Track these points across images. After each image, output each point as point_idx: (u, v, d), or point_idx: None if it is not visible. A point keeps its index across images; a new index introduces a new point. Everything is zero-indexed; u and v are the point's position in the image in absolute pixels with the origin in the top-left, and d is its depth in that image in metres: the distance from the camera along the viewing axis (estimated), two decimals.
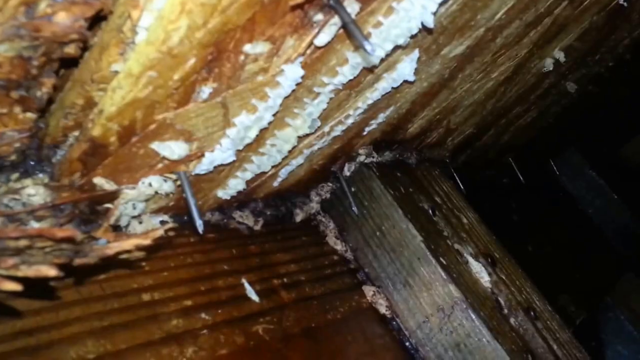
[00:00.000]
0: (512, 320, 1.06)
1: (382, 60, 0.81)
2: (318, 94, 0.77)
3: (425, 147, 1.25)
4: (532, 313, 1.08)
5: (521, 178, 1.82)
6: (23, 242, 0.43)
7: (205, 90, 0.60)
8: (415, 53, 0.87)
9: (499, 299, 1.07)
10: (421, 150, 1.23)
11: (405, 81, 0.91)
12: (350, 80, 0.79)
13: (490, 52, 1.09)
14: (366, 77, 0.84)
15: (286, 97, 0.71)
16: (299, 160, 0.90)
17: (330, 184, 1.07)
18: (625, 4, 1.30)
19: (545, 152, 2.13)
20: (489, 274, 1.08)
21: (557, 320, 1.12)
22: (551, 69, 1.37)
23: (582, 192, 2.24)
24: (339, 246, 1.06)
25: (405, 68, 0.88)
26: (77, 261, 0.48)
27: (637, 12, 1.49)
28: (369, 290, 1.04)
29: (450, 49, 0.97)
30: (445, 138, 1.32)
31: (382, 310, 1.03)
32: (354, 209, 1.06)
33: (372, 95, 0.89)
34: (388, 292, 1.05)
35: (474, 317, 0.98)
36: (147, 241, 0.53)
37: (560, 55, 1.37)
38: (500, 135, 1.61)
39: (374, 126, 1.01)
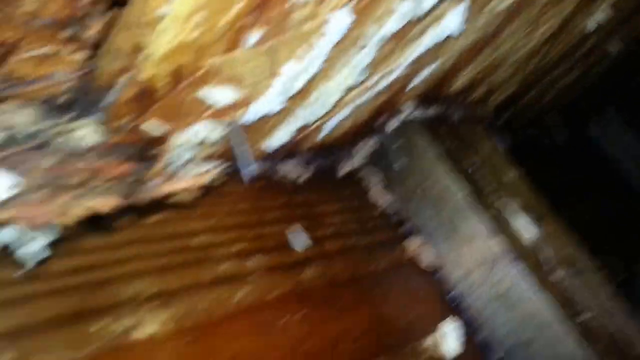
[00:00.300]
0: (555, 273, 1.02)
1: (429, 12, 0.77)
2: (364, 45, 0.74)
3: (468, 105, 1.21)
4: (575, 268, 1.05)
5: (561, 138, 1.77)
6: (80, 179, 0.42)
7: (253, 37, 0.58)
8: (462, 6, 0.84)
9: (542, 252, 1.03)
10: (464, 107, 1.19)
11: (451, 35, 0.87)
12: (397, 31, 0.76)
13: (535, 9, 1.04)
14: (412, 30, 0.80)
15: (333, 47, 0.68)
16: (344, 113, 0.88)
17: (374, 139, 1.03)
18: None
19: (587, 113, 2.06)
20: (533, 229, 1.05)
21: (600, 276, 1.08)
22: (595, 27, 1.31)
23: (621, 154, 2.16)
24: (383, 200, 1.04)
25: (452, 21, 0.84)
26: (131, 199, 0.47)
27: None
28: (412, 243, 1.02)
29: (497, 3, 0.92)
30: (488, 96, 1.28)
31: (425, 262, 1.01)
32: (396, 164, 1.03)
33: (418, 48, 0.86)
34: (431, 244, 1.02)
35: (517, 269, 0.95)
36: (196, 184, 0.52)
37: (605, 14, 1.31)
38: (542, 94, 1.55)
39: (418, 81, 0.97)
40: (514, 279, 0.96)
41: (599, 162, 2.10)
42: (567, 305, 0.98)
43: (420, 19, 0.78)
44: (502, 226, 1.01)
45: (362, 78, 0.79)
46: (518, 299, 0.96)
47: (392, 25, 0.73)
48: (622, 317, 1.05)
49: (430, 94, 1.07)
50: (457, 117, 1.15)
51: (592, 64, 1.60)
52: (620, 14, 1.37)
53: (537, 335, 0.95)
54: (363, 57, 0.76)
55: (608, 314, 1.03)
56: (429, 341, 0.92)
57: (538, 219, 1.07)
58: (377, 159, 1.06)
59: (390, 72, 0.86)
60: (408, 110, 1.04)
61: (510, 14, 0.99)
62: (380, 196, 1.04)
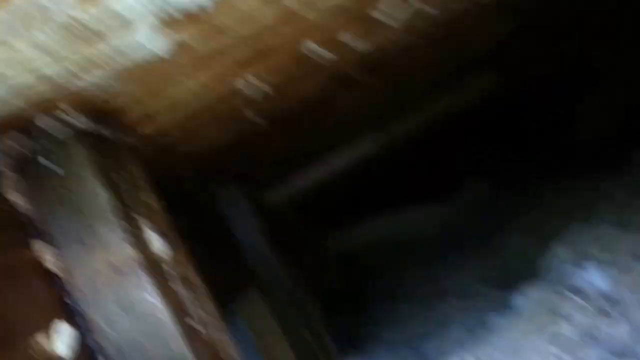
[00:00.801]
0: (175, 287, 1.22)
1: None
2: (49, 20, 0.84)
3: (123, 127, 1.35)
4: (189, 284, 1.26)
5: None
6: None
7: None
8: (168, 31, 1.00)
9: (166, 267, 1.22)
10: (119, 128, 1.32)
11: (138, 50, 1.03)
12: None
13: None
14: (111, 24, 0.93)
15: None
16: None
17: (21, 135, 1.10)
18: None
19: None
20: (163, 247, 1.23)
21: (210, 297, 1.32)
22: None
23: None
24: (16, 199, 1.11)
25: (147, 39, 1.00)
26: None
27: None
28: (38, 246, 1.10)
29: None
30: (143, 124, 1.42)
31: (50, 265, 1.10)
32: (44, 167, 1.12)
33: (103, 47, 0.98)
34: (62, 249, 1.12)
35: (143, 278, 1.12)
36: None
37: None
38: (185, 141, 1.73)
39: (83, 87, 1.09)
40: (139, 285, 1.12)
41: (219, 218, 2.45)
42: (183, 313, 1.18)
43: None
44: (137, 236, 1.17)
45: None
46: (143, 305, 1.12)
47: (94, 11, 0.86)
48: (224, 333, 1.29)
49: (94, 106, 1.19)
50: (112, 136, 1.29)
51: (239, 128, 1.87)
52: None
53: (152, 337, 1.12)
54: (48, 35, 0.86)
55: (214, 327, 1.26)
56: (40, 340, 1.03)
57: (168, 241, 1.27)
58: (23, 156, 1.13)
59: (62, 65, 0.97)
60: (68, 117, 1.14)
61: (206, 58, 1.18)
62: (15, 194, 1.11)
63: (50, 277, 1.11)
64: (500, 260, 3.50)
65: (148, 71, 1.18)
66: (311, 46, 1.39)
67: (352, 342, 3.40)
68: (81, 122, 1.19)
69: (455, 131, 4.43)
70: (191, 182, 1.97)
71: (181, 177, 1.94)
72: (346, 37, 1.47)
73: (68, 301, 1.11)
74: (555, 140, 4.21)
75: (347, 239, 4.94)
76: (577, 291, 2.27)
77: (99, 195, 1.15)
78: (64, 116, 1.15)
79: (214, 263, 2.01)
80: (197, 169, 2.01)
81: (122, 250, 1.13)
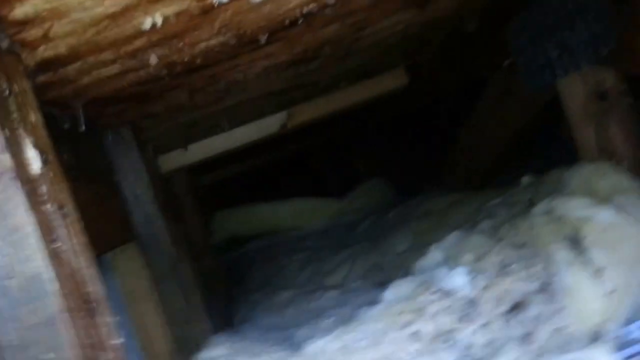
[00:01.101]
0: (46, 206, 1.25)
1: None
2: None
3: (20, 42, 1.36)
4: (62, 209, 1.30)
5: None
6: None
7: None
8: None
9: (41, 186, 1.25)
10: (15, 42, 1.34)
11: None
12: None
13: None
14: None
15: None
16: None
17: None
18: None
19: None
20: (40, 165, 1.26)
21: (79, 224, 1.36)
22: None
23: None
24: None
25: None
26: None
27: None
28: None
29: None
30: (41, 45, 1.43)
31: None
32: None
33: None
34: None
35: (16, 187, 1.17)
36: None
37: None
38: (82, 74, 1.73)
39: None
40: (8, 196, 1.16)
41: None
42: (46, 232, 1.20)
43: None
44: (14, 150, 1.20)
45: None
46: (5, 214, 1.16)
47: None
48: (90, 266, 1.34)
49: None
50: (6, 46, 1.31)
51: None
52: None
53: (13, 249, 1.16)
54: None
55: (80, 257, 1.31)
56: None
57: (48, 165, 1.30)
58: None
59: None
60: None
61: None
62: None
63: None
64: (384, 261, 3.66)
65: None
66: None
67: (228, 323, 3.48)
68: None
69: (361, 128, 4.56)
70: (85, 123, 1.98)
71: (75, 116, 1.96)
72: None
73: None
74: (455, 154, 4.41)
75: (236, 220, 5.00)
76: (444, 294, 2.39)
77: None
78: None
79: (95, 209, 2.04)
80: (94, 111, 2.02)
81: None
